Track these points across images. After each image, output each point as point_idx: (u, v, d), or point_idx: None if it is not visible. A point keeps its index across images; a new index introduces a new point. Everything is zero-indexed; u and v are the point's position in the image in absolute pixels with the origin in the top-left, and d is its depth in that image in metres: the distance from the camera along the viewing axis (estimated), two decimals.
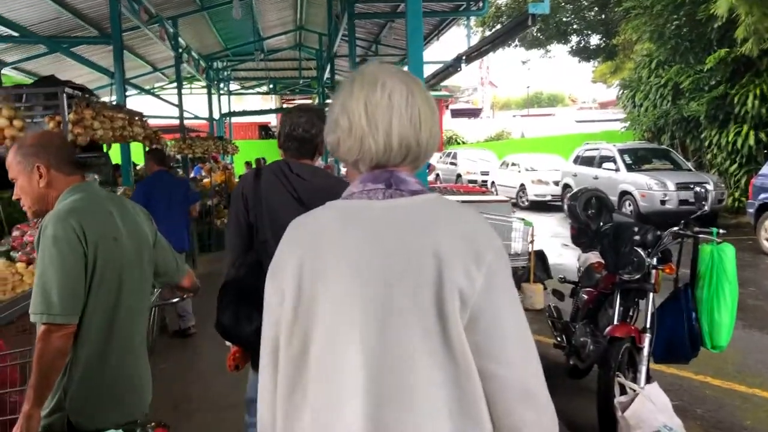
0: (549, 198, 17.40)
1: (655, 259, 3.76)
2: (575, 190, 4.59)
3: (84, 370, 1.97)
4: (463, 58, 9.65)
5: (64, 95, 4.52)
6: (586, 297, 4.47)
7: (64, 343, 1.89)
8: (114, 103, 7.14)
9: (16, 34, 9.57)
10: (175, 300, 2.79)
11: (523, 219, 6.88)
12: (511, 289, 1.19)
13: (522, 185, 18.26)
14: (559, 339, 4.60)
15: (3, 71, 12.89)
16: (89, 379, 1.98)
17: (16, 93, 4.51)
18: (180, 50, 14.61)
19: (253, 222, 2.53)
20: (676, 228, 3.77)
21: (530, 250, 6.73)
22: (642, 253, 3.72)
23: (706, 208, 3.85)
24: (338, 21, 12.25)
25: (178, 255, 2.44)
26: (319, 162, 14.36)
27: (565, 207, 4.67)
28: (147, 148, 6.90)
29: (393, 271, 1.14)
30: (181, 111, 14.09)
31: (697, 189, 3.91)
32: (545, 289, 6.73)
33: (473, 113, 54.16)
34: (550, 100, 75.79)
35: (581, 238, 4.53)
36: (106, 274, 2.01)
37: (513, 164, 19.60)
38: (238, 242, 2.55)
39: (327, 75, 18.05)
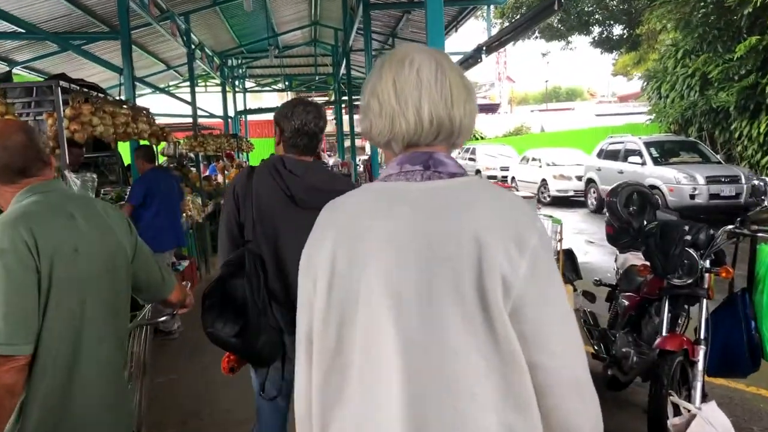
0: (571, 193, 16.94)
1: (708, 261, 3.35)
2: (615, 185, 4.17)
3: (42, 410, 1.62)
4: (484, 48, 9.25)
5: (59, 89, 4.20)
6: (626, 303, 4.07)
7: (14, 379, 1.54)
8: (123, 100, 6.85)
9: (22, 30, 9.30)
10: (162, 318, 2.40)
11: (551, 216, 6.45)
12: (556, 275, 1.13)
13: (543, 180, 17.80)
14: (596, 348, 4.20)
15: (14, 70, 12.70)
16: (49, 421, 1.62)
17: (6, 87, 4.19)
18: (192, 47, 14.34)
19: (243, 221, 2.41)
20: (731, 226, 3.36)
21: (559, 248, 6.31)
22: (694, 254, 3.31)
23: (767, 202, 3.43)
24: (353, 14, 11.88)
25: (165, 266, 2.08)
26: (335, 159, 13.75)
27: (605, 204, 4.26)
28: (140, 146, 6.59)
29: (432, 257, 1.10)
30: (194, 108, 13.81)
31: (755, 182, 3.50)
32: (575, 290, 6.33)
33: (491, 108, 53.62)
34: (569, 94, 75.12)
35: (621, 237, 4.12)
36: (65, 292, 1.65)
37: (534, 159, 19.14)
38: (228, 244, 2.44)
39: (343, 71, 17.65)
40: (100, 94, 5.42)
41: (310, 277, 1.21)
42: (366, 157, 11.40)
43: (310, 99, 2.81)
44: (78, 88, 4.75)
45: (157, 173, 6.01)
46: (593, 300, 4.97)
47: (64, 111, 4.43)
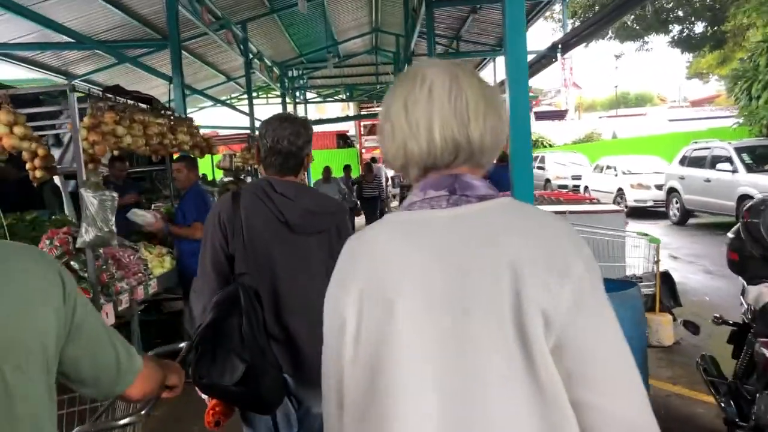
0: (650, 203, 15.71)
1: None
2: (753, 201, 3.28)
3: None
4: (560, 46, 8.42)
5: (74, 95, 3.65)
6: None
7: None
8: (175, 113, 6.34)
9: (72, 40, 9.04)
10: (124, 421, 1.55)
11: (646, 234, 5.56)
12: (605, 306, 1.02)
13: (620, 190, 16.59)
14: (724, 406, 3.30)
15: (74, 83, 12.61)
16: None
17: (15, 94, 3.67)
18: (250, 56, 13.98)
19: (233, 253, 2.22)
20: None
21: (656, 271, 5.41)
22: None
23: None
24: (415, 15, 11.20)
25: (125, 345, 1.36)
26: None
27: (740, 226, 3.36)
28: (182, 156, 5.83)
29: (466, 292, 1.02)
30: (252, 119, 13.43)
31: None
32: (674, 319, 5.43)
33: (558, 115, 52.21)
34: (638, 100, 72.81)
35: (752, 265, 3.24)
36: None
37: (608, 167, 17.93)
38: (216, 279, 2.22)
39: None
40: (141, 104, 4.89)
41: (336, 321, 1.12)
42: None
43: (294, 114, 2.47)
44: (100, 93, 4.21)
45: (198, 188, 5.33)
46: (696, 331, 4.08)
47: (82, 120, 3.89)
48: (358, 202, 13.52)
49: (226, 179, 12.64)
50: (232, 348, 1.99)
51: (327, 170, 12.28)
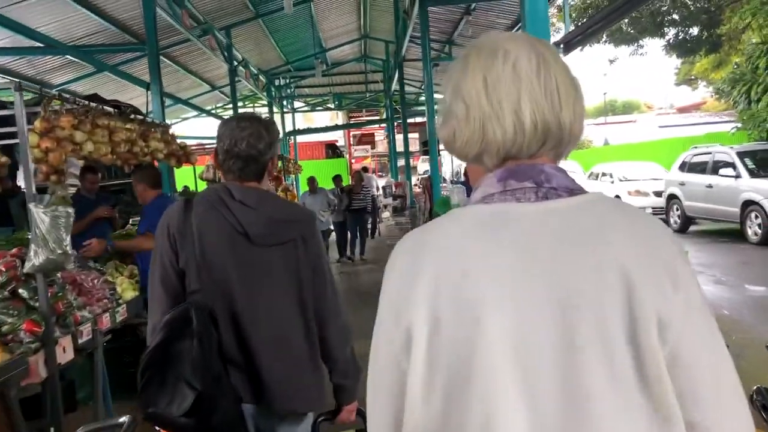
0: (649, 211, 15.28)
1: None
2: None
3: None
4: (562, 46, 7.98)
5: (20, 94, 3.12)
6: None
7: None
8: (151, 119, 5.79)
9: (41, 44, 8.48)
10: None
11: None
12: (711, 315, 0.92)
13: (617, 197, 16.10)
14: None
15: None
16: None
17: None
18: (235, 63, 13.48)
19: (184, 268, 2.01)
20: None
21: None
22: None
23: None
24: (407, 17, 10.75)
25: None
26: (388, 179, 12.44)
27: None
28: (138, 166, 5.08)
29: (567, 302, 0.85)
30: None
31: None
32: None
33: None
34: (625, 107, 73.00)
35: None
36: None
37: (604, 174, 17.54)
38: (165, 298, 2.02)
39: (395, 85, 16.50)
40: (107, 107, 4.36)
41: (395, 343, 0.92)
42: (425, 176, 10.20)
43: (256, 114, 2.24)
44: (55, 92, 3.68)
45: (166, 201, 4.72)
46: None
47: (33, 124, 3.36)
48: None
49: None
50: (181, 374, 1.80)
51: (312, 181, 11.80)
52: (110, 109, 4.27)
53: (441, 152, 20.83)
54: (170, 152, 5.30)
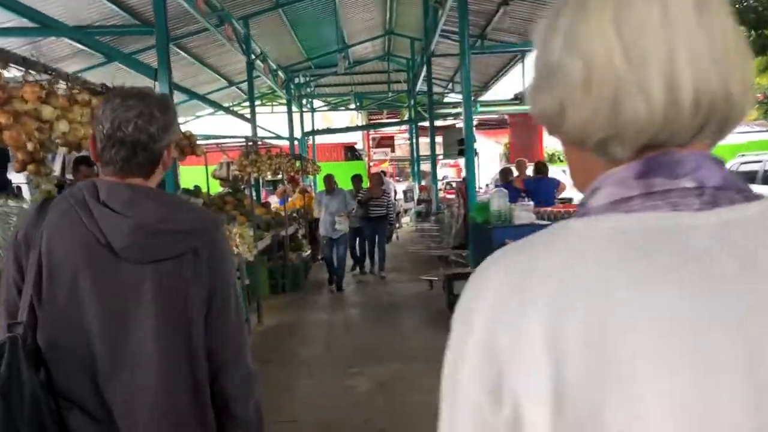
0: None
1: None
2: None
3: None
4: None
5: None
6: None
7: None
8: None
9: (35, 24, 7.72)
10: None
11: None
12: None
13: None
14: None
15: None
16: None
17: None
18: (253, 56, 12.73)
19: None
20: None
21: None
22: None
23: None
24: (440, 6, 9.91)
25: None
26: (408, 183, 11.36)
27: None
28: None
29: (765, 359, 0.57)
30: (254, 124, 12.15)
31: None
32: None
33: None
34: None
35: None
36: None
37: None
38: (6, 322, 1.53)
39: (422, 80, 15.53)
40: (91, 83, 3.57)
41: (497, 409, 0.62)
42: (459, 179, 9.16)
43: (147, 89, 1.66)
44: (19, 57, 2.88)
45: None
46: None
47: None
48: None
49: (223, 191, 11.36)
50: (33, 420, 1.41)
51: (330, 179, 10.54)
52: (94, 84, 3.48)
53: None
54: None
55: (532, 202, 6.88)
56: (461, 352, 0.66)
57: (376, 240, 10.98)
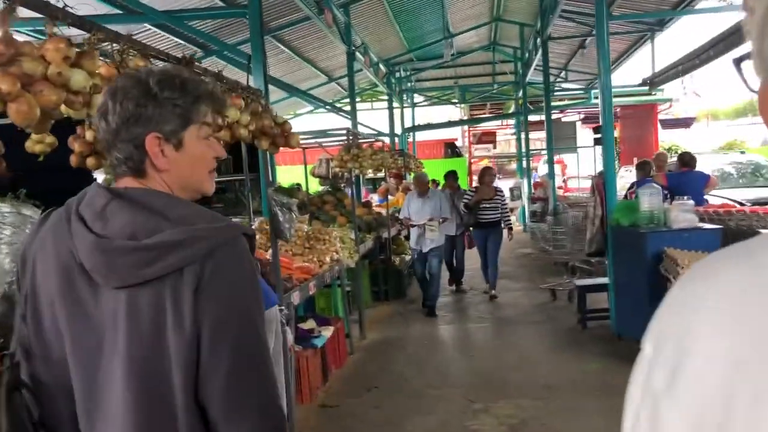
0: None
1: None
2: None
3: None
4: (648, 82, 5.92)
5: None
6: None
7: None
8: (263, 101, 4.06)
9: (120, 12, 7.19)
10: None
11: None
12: None
13: None
14: None
15: None
16: None
17: None
18: (353, 48, 11.95)
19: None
20: None
21: None
22: None
23: None
24: None
25: None
26: (516, 180, 9.84)
27: None
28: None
29: None
30: (354, 117, 11.36)
31: None
32: None
33: (684, 123, 47.68)
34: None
35: None
36: None
37: None
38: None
39: (536, 65, 14.17)
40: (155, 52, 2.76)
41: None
42: (596, 174, 7.82)
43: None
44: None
45: None
46: None
47: None
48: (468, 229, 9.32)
49: (322, 190, 10.65)
50: None
51: (421, 180, 8.89)
52: (156, 51, 2.66)
53: (577, 149, 18.57)
54: (261, 129, 3.66)
55: (691, 201, 5.61)
56: (671, 395, 0.52)
57: (489, 252, 8.96)
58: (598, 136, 6.60)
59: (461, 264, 9.70)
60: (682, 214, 5.37)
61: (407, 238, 11.04)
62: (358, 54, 12.56)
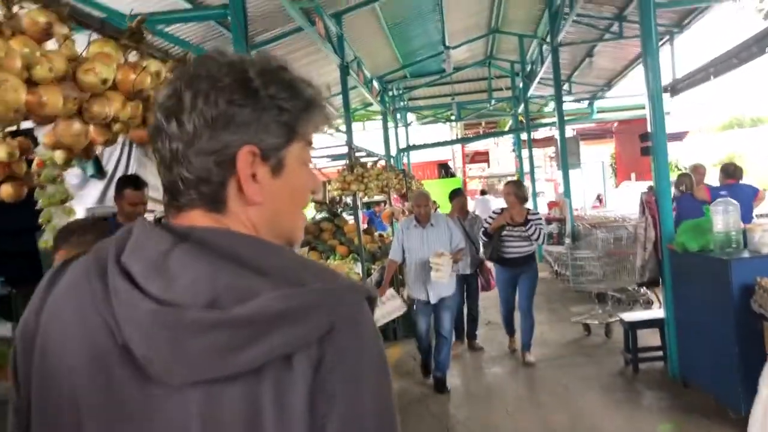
0: None
1: None
2: None
3: None
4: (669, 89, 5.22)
5: None
6: None
7: None
8: None
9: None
10: None
11: None
12: None
13: None
14: None
15: None
16: None
17: None
18: (345, 61, 11.05)
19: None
20: None
21: None
22: None
23: None
24: None
25: None
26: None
27: None
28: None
29: None
30: (350, 134, 10.39)
31: None
32: None
33: (678, 137, 47.69)
34: (753, 122, 67.33)
35: None
36: None
37: None
38: None
39: (541, 77, 13.32)
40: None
41: None
42: (645, 190, 6.70)
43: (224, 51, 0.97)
44: None
45: None
46: None
47: None
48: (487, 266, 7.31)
49: (318, 216, 9.65)
50: None
51: (423, 200, 6.02)
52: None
53: (580, 164, 17.73)
54: None
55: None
56: None
57: (519, 296, 6.71)
58: (647, 144, 5.64)
59: (475, 311, 7.49)
60: None
61: None
62: (351, 70, 11.69)
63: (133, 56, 2.17)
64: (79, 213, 7.97)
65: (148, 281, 0.83)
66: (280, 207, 0.96)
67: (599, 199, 21.23)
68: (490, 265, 7.22)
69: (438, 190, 17.07)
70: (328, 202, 9.34)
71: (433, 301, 5.86)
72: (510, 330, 7.06)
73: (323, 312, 0.82)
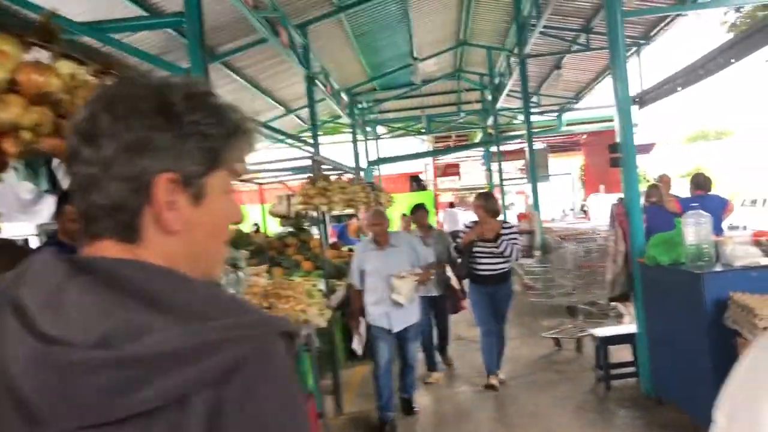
0: None
1: None
2: None
3: None
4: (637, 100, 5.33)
5: None
6: None
7: None
8: None
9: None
10: None
11: None
12: None
13: None
14: None
15: None
16: None
17: None
18: (311, 72, 10.85)
19: None
20: None
21: None
22: None
23: None
24: None
25: None
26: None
27: None
28: None
29: None
30: (317, 149, 10.18)
31: None
32: None
33: (645, 149, 48.34)
34: (717, 134, 68.97)
35: None
36: None
37: None
38: None
39: (509, 89, 13.29)
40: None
41: None
42: (616, 202, 6.48)
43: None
44: None
45: None
46: None
47: None
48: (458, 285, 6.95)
49: (283, 231, 9.38)
50: None
51: (379, 220, 5.48)
52: None
53: (549, 176, 17.71)
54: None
55: (749, 230, 4.54)
56: None
57: (495, 315, 6.18)
58: (615, 155, 5.52)
59: (445, 331, 7.06)
60: (742, 247, 4.28)
61: None
62: (318, 82, 11.50)
63: (47, 58, 1.94)
64: (32, 229, 7.66)
65: (40, 317, 0.78)
66: (200, 237, 0.92)
67: (583, 210, 21.07)
68: (457, 285, 6.95)
69: (410, 203, 16.98)
70: (293, 216, 9.08)
71: (396, 329, 5.31)
72: (491, 366, 6.22)
73: (225, 350, 0.76)
